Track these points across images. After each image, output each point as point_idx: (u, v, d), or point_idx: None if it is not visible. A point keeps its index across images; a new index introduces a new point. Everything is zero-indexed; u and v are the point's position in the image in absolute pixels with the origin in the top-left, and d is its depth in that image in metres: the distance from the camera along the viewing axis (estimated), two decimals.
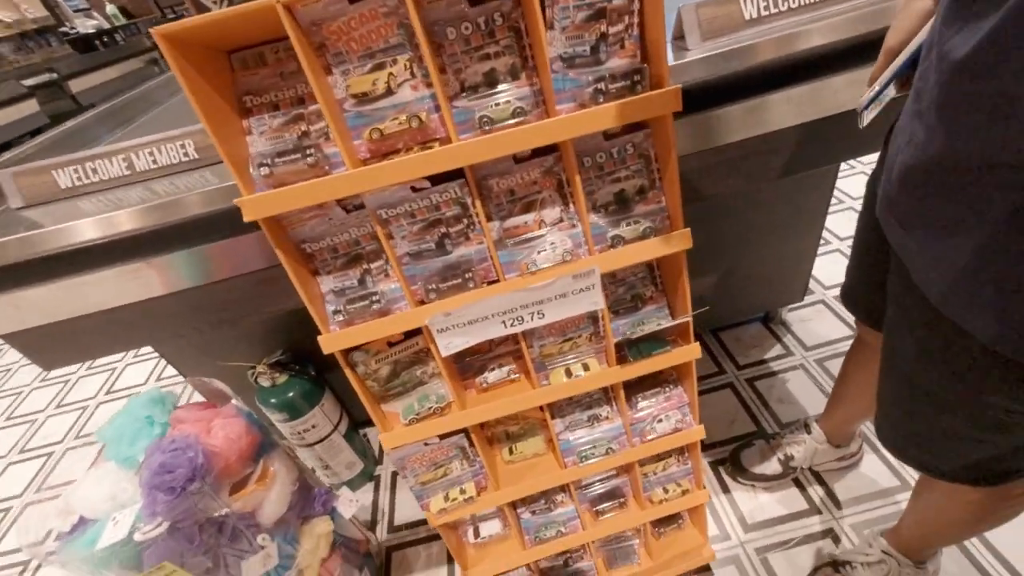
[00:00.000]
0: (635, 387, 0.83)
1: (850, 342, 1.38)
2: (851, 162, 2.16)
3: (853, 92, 0.78)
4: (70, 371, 2.09)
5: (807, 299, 1.48)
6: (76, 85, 3.10)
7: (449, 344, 0.62)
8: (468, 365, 0.75)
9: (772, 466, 1.13)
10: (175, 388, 1.78)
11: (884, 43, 0.55)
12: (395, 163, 0.51)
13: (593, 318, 0.69)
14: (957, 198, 0.43)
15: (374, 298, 0.60)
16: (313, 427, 1.17)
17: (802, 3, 0.76)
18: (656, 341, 0.72)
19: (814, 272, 1.45)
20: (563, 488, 0.90)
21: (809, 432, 1.10)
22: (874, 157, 0.74)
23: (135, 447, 0.75)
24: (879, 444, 1.15)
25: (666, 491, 0.92)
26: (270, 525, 0.84)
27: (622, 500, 0.92)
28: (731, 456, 1.18)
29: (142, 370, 2.02)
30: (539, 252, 0.60)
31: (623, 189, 0.63)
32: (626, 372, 0.70)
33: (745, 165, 0.86)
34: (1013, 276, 0.42)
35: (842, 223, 1.85)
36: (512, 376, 0.74)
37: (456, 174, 0.55)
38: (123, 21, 3.84)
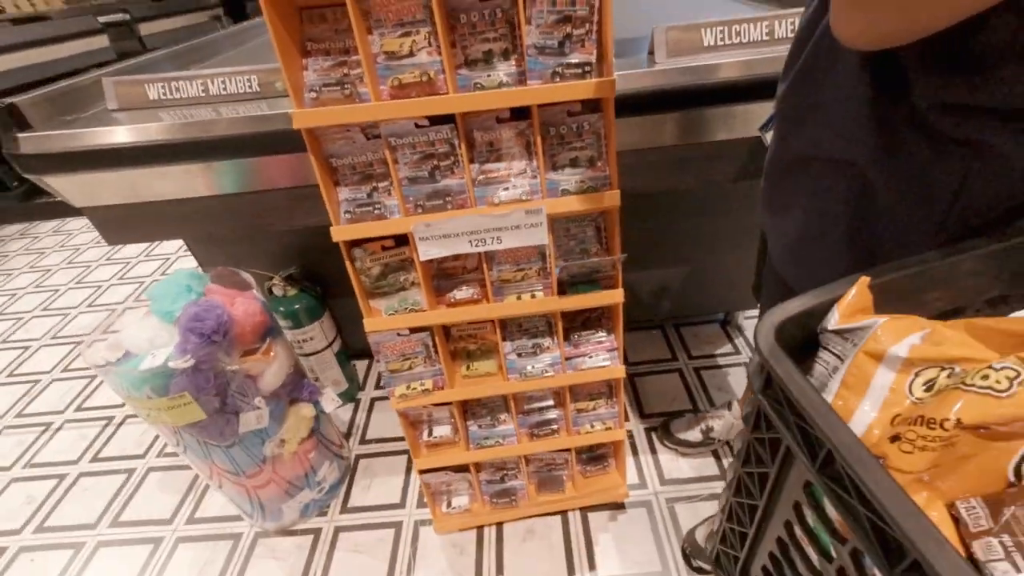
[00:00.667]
0: (575, 329, 1.02)
1: None
2: None
3: None
4: (130, 254, 2.57)
5: None
6: (145, 28, 3.36)
7: (427, 251, 0.81)
8: (442, 286, 0.94)
9: (694, 435, 1.30)
10: None
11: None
12: (406, 102, 0.71)
13: (542, 255, 0.88)
14: (791, 185, 0.62)
15: (377, 207, 0.79)
16: (311, 339, 1.37)
17: (752, 39, 0.95)
18: (592, 284, 0.90)
19: None
20: (506, 408, 1.09)
21: (730, 409, 1.27)
22: None
23: (175, 305, 0.95)
24: None
25: (592, 426, 1.10)
26: (267, 393, 1.04)
27: (555, 428, 1.10)
28: (662, 423, 1.36)
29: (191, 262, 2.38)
30: (504, 190, 0.79)
31: (577, 156, 0.82)
32: (563, 303, 0.89)
33: (695, 165, 1.05)
34: (812, 248, 0.59)
35: None
36: (475, 296, 0.93)
37: (450, 120, 0.74)
38: None
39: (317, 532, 1.24)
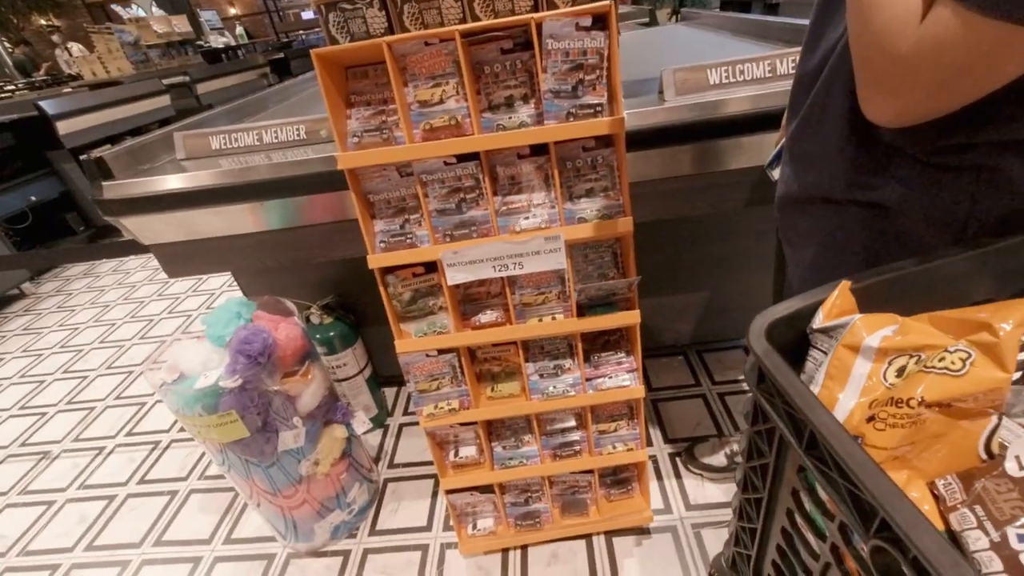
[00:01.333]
0: (595, 350, 1.06)
1: None
2: None
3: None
4: (179, 290, 2.78)
5: None
6: (202, 88, 3.71)
7: (454, 276, 0.88)
8: (468, 311, 1.01)
9: (719, 459, 1.29)
10: None
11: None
12: (437, 143, 0.80)
13: (562, 279, 0.94)
14: (805, 222, 0.65)
15: (408, 237, 0.88)
16: (344, 364, 1.45)
17: (755, 76, 1.02)
18: (609, 307, 0.96)
19: None
20: (530, 429, 1.13)
21: None
22: None
23: (227, 330, 1.04)
24: None
25: (614, 447, 1.12)
26: (304, 413, 1.11)
27: (577, 450, 1.13)
28: (687, 448, 1.36)
29: (196, 301, 2.64)
30: (524, 219, 0.86)
31: (592, 187, 0.89)
32: (583, 324, 0.94)
33: (708, 193, 1.11)
34: (830, 275, 0.62)
35: None
36: (498, 319, 0.99)
37: (475, 157, 0.83)
38: (246, 40, 4.56)
39: (347, 554, 1.27)
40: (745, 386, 1.57)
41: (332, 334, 1.41)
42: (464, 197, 0.87)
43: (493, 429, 1.16)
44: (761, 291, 1.53)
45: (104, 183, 1.08)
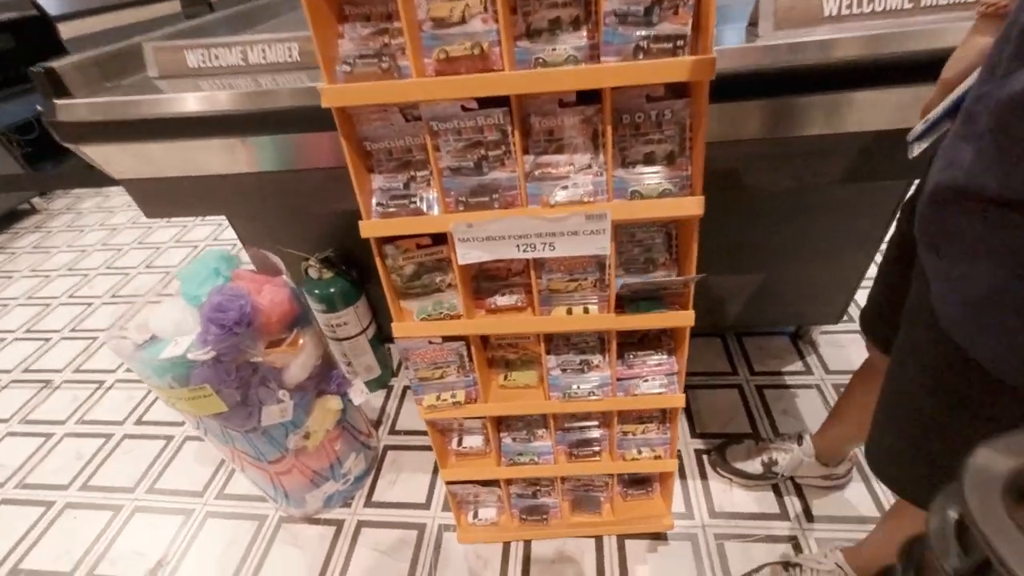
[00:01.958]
0: (631, 346, 0.89)
1: None
2: None
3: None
4: (187, 218, 2.62)
5: (842, 324, 1.45)
6: None
7: (467, 254, 0.71)
8: (483, 289, 0.84)
9: (754, 466, 1.15)
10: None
11: (941, 75, 0.55)
12: (453, 79, 0.59)
13: (600, 264, 0.75)
14: (980, 228, 0.44)
15: (413, 200, 0.69)
16: (345, 324, 1.31)
17: (889, 7, 0.76)
18: (656, 302, 0.77)
19: (857, 297, 1.41)
20: (544, 424, 0.99)
21: (800, 444, 1.12)
22: None
23: (202, 289, 0.90)
24: (870, 472, 1.15)
25: (639, 452, 0.98)
26: (291, 386, 0.98)
27: (597, 450, 1.00)
28: (718, 447, 1.22)
29: (205, 231, 2.51)
30: (562, 189, 0.66)
31: (653, 152, 0.68)
32: (621, 321, 0.77)
33: (792, 164, 0.88)
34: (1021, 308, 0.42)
35: None
36: (519, 303, 0.82)
37: (503, 102, 0.62)
38: None
39: (340, 524, 1.20)
40: (788, 381, 1.40)
41: (332, 291, 1.26)
42: (486, 154, 0.67)
43: (503, 418, 1.03)
44: (820, 277, 1.32)
45: (58, 101, 0.90)
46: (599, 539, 1.12)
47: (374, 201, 0.70)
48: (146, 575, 1.16)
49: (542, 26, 0.62)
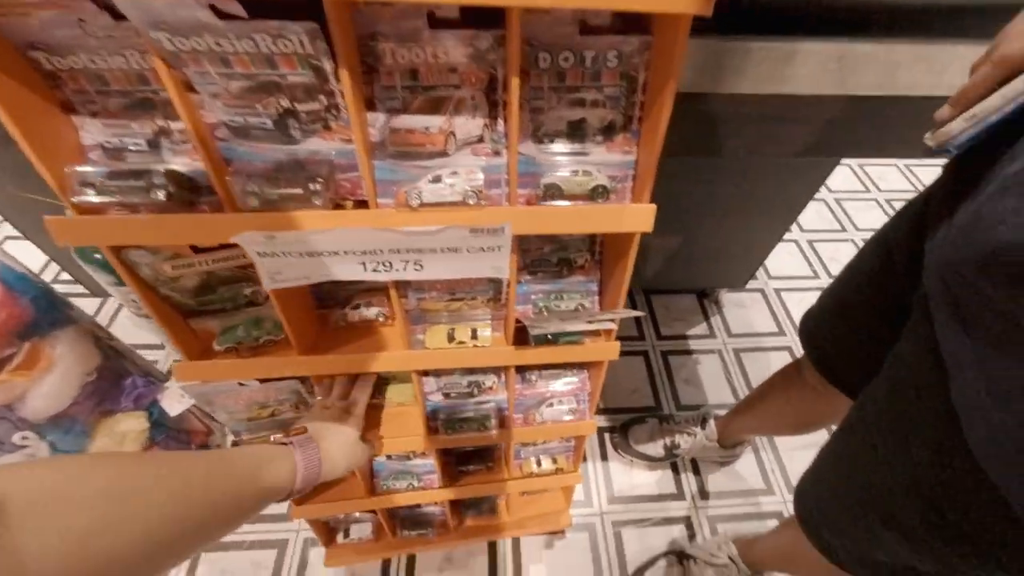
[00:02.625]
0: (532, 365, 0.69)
1: (775, 339, 1.33)
2: None
3: (920, 70, 0.59)
4: None
5: (747, 285, 1.39)
6: None
7: (275, 276, 0.42)
8: (327, 293, 0.56)
9: (656, 448, 1.09)
10: None
11: (997, 50, 0.35)
12: None
13: (496, 280, 0.51)
14: None
15: (157, 179, 0.37)
16: None
17: None
18: (571, 335, 0.56)
19: (767, 263, 1.35)
20: None
21: (703, 428, 1.06)
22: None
23: None
24: (759, 443, 1.13)
25: (539, 463, 0.83)
26: (41, 420, 0.66)
27: (490, 464, 0.83)
28: (621, 428, 1.14)
29: None
30: (432, 180, 0.39)
31: (584, 119, 0.42)
32: (523, 356, 0.55)
33: (753, 128, 0.67)
34: None
35: (810, 216, 1.74)
36: (381, 317, 0.56)
37: (316, 7, 0.31)
38: None
39: None
40: (692, 346, 1.34)
41: None
42: (292, 107, 0.36)
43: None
44: (737, 244, 1.21)
45: None
46: (492, 542, 1.01)
47: (75, 180, 0.37)
48: None
49: None
